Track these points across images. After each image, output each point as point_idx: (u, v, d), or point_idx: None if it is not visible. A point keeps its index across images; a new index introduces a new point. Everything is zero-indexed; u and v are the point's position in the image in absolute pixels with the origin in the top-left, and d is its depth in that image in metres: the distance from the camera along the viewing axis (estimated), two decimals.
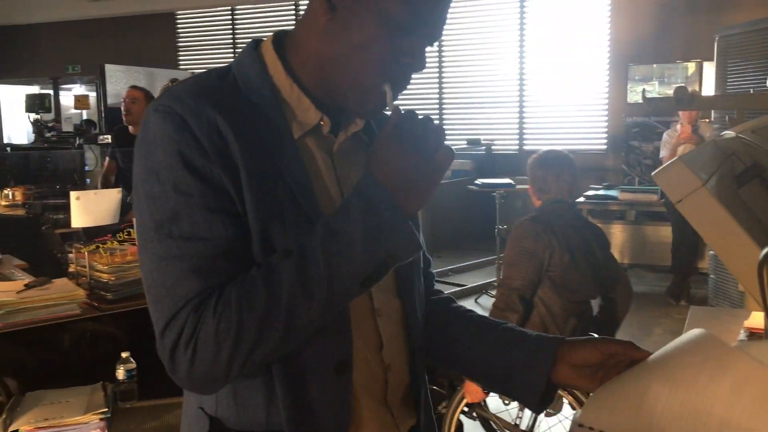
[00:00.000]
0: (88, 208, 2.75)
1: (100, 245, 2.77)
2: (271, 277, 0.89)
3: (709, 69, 7.20)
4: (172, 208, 0.92)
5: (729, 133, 0.97)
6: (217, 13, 10.00)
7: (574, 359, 1.02)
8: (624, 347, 0.98)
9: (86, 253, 2.88)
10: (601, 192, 6.89)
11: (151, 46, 10.19)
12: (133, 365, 2.55)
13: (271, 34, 1.05)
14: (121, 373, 2.53)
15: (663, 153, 6.08)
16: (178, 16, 10.29)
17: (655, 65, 7.60)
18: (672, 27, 7.42)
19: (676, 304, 5.79)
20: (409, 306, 1.08)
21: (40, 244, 3.96)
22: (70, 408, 2.31)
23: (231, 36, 9.97)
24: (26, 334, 2.64)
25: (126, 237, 2.83)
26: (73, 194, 2.75)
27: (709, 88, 6.82)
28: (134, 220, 0.97)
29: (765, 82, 4.46)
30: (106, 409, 2.30)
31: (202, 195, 0.91)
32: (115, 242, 2.83)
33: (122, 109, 4.39)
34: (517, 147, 8.23)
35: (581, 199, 6.66)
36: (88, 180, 4.21)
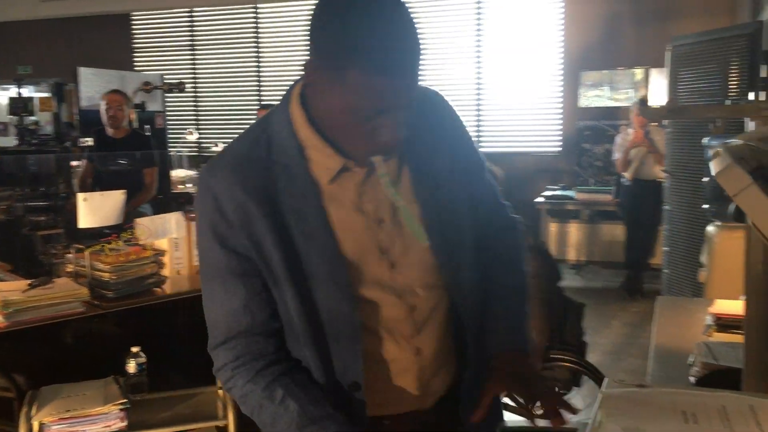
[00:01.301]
0: (95, 209, 2.83)
1: (105, 245, 2.86)
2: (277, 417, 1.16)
3: (656, 75, 7.62)
4: (208, 264, 1.20)
5: (736, 141, 1.17)
6: (174, 14, 9.96)
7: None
8: None
9: (87, 253, 2.96)
10: (558, 192, 7.19)
11: (104, 47, 10.07)
12: (144, 359, 2.66)
13: (298, 84, 1.19)
14: (132, 367, 2.64)
15: (616, 155, 6.41)
16: (134, 17, 10.21)
17: (605, 71, 7.96)
18: (620, 36, 7.78)
19: (631, 298, 6.12)
20: (457, 297, 1.23)
21: (22, 246, 3.98)
22: (88, 400, 2.41)
23: (189, 38, 9.95)
24: (33, 331, 2.71)
25: (129, 236, 2.93)
26: (80, 196, 2.84)
27: (656, 94, 7.20)
28: None
29: (713, 89, 4.80)
30: (125, 400, 2.40)
31: (227, 260, 1.16)
32: (120, 242, 2.91)
33: (105, 113, 4.44)
34: None
35: (540, 200, 6.95)
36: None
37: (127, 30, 10.22)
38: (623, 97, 7.91)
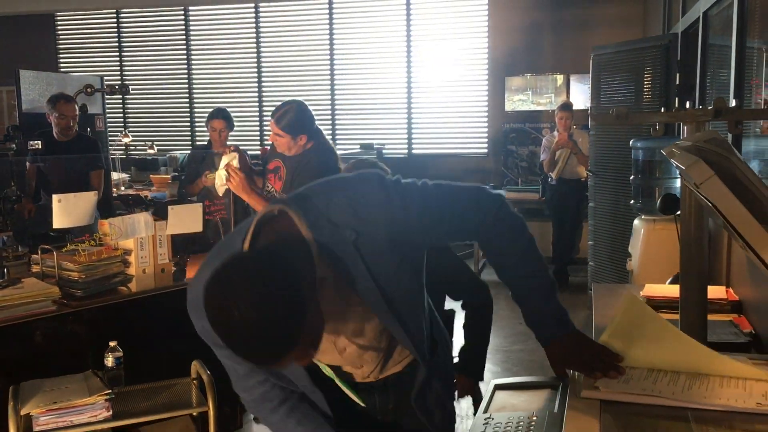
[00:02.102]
0: (69, 210, 2.90)
1: (79, 244, 2.93)
2: None
3: (575, 81, 8.11)
4: None
5: (682, 143, 1.43)
6: (100, 16, 9.81)
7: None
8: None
9: (55, 253, 3.03)
10: None
11: (27, 47, 9.81)
12: (120, 353, 2.76)
13: None
14: (110, 361, 2.74)
15: (543, 156, 6.81)
16: (58, 18, 10.00)
17: (528, 77, 8.38)
18: (542, 43, 8.22)
19: (559, 289, 6.49)
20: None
21: None
22: (72, 393, 2.50)
23: (116, 39, 9.82)
24: (6, 330, 2.77)
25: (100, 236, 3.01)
26: (55, 197, 2.89)
27: (576, 99, 7.65)
28: None
29: (631, 93, 5.22)
30: (109, 391, 2.50)
31: None
32: (92, 242, 2.99)
33: (58, 121, 4.45)
34: (407, 151, 8.77)
35: None
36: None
37: (52, 30, 9.99)
38: (545, 102, 8.36)
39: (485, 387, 1.55)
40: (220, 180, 3.06)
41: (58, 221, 2.93)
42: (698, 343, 1.42)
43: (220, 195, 3.34)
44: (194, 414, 2.94)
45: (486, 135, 8.58)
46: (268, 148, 3.66)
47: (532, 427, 1.23)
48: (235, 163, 3.14)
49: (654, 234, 3.34)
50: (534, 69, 8.28)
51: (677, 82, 4.69)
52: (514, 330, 5.00)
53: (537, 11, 8.18)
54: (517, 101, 8.49)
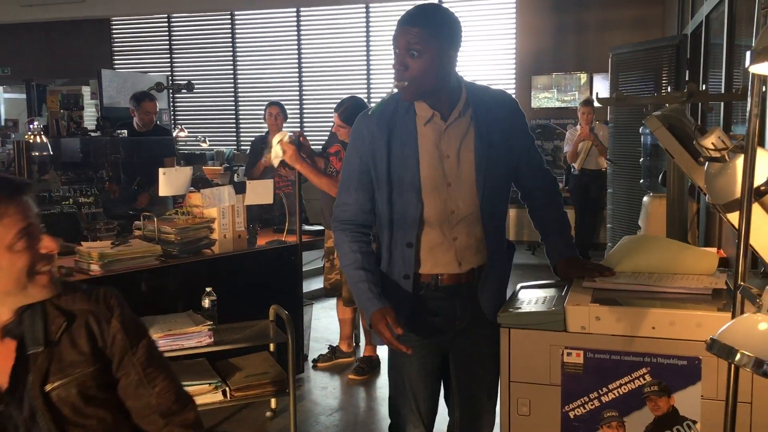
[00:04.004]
0: (171, 181, 3.53)
1: (178, 210, 3.57)
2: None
3: (597, 79, 8.62)
4: (347, 166, 2.10)
5: (657, 113, 2.00)
6: (153, 19, 10.54)
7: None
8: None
9: (155, 219, 3.67)
10: None
11: (85, 50, 10.59)
12: (215, 297, 3.37)
13: None
14: (206, 303, 3.36)
15: (566, 148, 7.34)
16: (114, 22, 10.75)
17: (553, 75, 8.91)
18: (567, 43, 8.75)
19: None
20: (483, 212, 2.03)
21: (68, 221, 4.62)
22: (180, 324, 3.13)
23: (167, 42, 10.54)
24: (119, 278, 3.40)
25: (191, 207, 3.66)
26: (161, 171, 3.53)
27: (600, 95, 8.16)
28: None
29: (646, 89, 5.74)
30: (211, 323, 3.12)
31: (358, 164, 2.06)
32: (188, 208, 3.63)
33: (143, 116, 5.10)
34: None
35: None
36: None
37: (108, 34, 10.74)
38: (569, 99, 8.89)
39: (510, 290, 2.14)
40: (275, 153, 3.64)
41: (163, 190, 3.56)
42: (673, 240, 2.00)
43: (275, 166, 3.93)
44: (272, 349, 3.58)
45: None
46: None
47: (547, 300, 1.82)
48: (286, 139, 3.76)
49: (659, 207, 3.87)
50: (559, 68, 8.81)
51: (686, 79, 5.21)
52: None
53: (562, 13, 8.72)
54: (543, 98, 9.02)
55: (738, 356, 1.10)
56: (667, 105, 2.34)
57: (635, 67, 5.84)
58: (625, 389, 1.70)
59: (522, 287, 2.07)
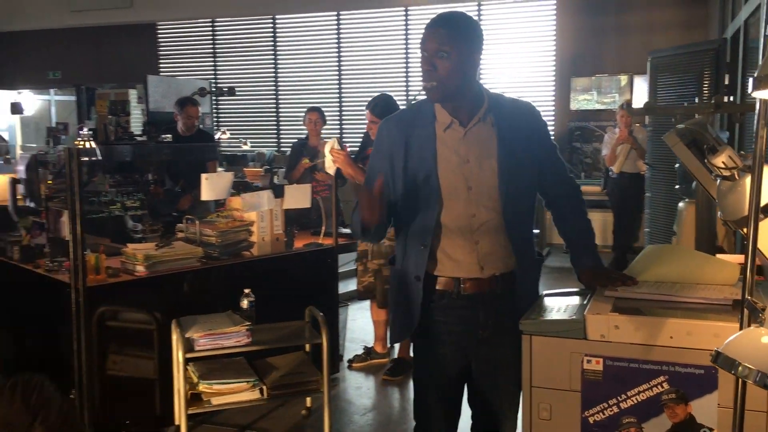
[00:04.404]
0: (213, 186, 3.67)
1: (219, 213, 3.70)
2: None
3: (638, 81, 8.55)
4: (370, 165, 2.19)
5: (680, 126, 2.03)
6: (197, 24, 10.79)
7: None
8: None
9: (197, 222, 3.80)
10: None
11: (131, 54, 10.90)
12: (253, 298, 3.48)
13: None
14: (245, 303, 3.47)
15: (604, 151, 7.31)
16: (159, 27, 11.03)
17: (593, 77, 8.87)
18: (607, 45, 8.70)
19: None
20: (506, 217, 2.08)
21: (115, 223, 4.80)
22: (220, 324, 3.25)
23: (211, 45, 10.78)
24: (162, 279, 3.54)
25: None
26: (203, 176, 3.67)
27: (640, 98, 8.11)
28: None
29: (685, 92, 5.70)
30: (249, 323, 3.24)
31: (378, 161, 2.15)
32: (228, 212, 3.76)
33: (186, 121, 5.26)
34: None
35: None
36: None
37: (153, 38, 11.03)
38: (609, 101, 8.83)
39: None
40: (329, 163, 3.75)
41: (205, 195, 3.70)
42: (696, 251, 2.03)
43: (331, 174, 4.05)
44: (307, 349, 3.68)
45: (552, 133, 9.08)
46: None
47: (569, 308, 1.88)
48: (336, 146, 3.86)
49: (693, 214, 3.87)
50: (599, 70, 8.77)
51: (726, 83, 5.16)
52: None
53: (602, 15, 8.67)
54: (582, 101, 8.99)
55: (740, 368, 1.15)
56: (698, 116, 2.36)
57: (675, 71, 5.80)
58: (643, 396, 1.75)
59: (546, 295, 2.13)
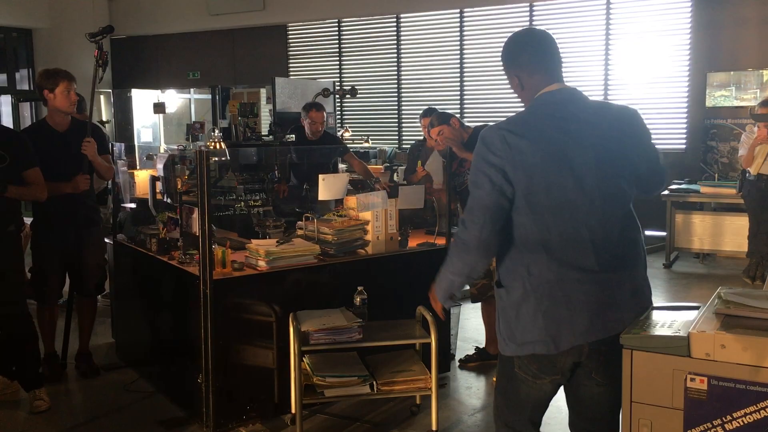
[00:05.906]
0: (330, 186, 3.82)
1: (335, 213, 3.85)
2: None
3: None
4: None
5: None
6: (324, 25, 11.13)
7: None
8: None
9: (316, 221, 3.96)
10: (683, 186, 7.74)
11: (263, 55, 11.42)
12: (366, 296, 3.60)
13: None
14: (358, 301, 3.60)
15: (741, 152, 6.88)
16: (290, 28, 11.47)
17: (732, 72, 8.36)
18: (747, 38, 8.17)
19: (752, 283, 6.60)
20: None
21: (241, 219, 5.08)
22: (334, 320, 3.38)
23: (337, 45, 11.09)
24: (282, 274, 3.72)
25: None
26: (321, 177, 3.84)
27: None
28: None
29: None
30: (361, 320, 3.35)
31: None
32: (344, 211, 3.90)
33: (311, 126, 5.47)
34: None
35: (665, 192, 7.51)
36: None
37: (284, 39, 11.49)
38: (749, 97, 8.29)
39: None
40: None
41: (322, 194, 3.86)
42: None
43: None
44: (417, 348, 3.76)
45: (685, 131, 8.68)
46: None
47: (675, 324, 1.84)
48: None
49: None
50: (738, 65, 8.25)
51: None
52: None
53: (742, 6, 8.15)
54: (719, 97, 8.49)
55: None
56: None
57: None
58: (750, 419, 1.68)
59: (654, 308, 2.08)
